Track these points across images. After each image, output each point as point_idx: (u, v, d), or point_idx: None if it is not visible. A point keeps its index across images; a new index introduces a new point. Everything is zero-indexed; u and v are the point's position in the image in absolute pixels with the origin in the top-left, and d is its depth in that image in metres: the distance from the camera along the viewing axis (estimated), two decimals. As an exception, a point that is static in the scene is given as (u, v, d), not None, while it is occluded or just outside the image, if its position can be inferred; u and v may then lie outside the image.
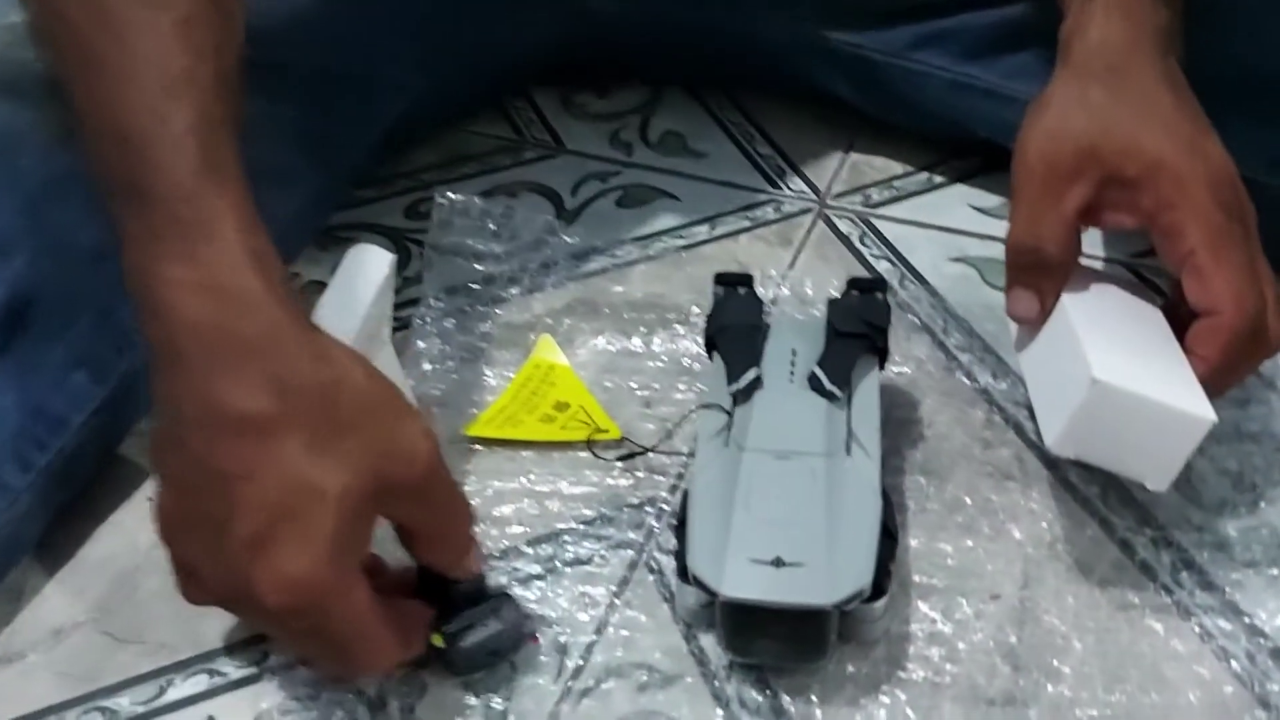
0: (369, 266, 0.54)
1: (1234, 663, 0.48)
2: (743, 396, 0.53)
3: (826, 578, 0.45)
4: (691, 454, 0.58)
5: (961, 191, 0.75)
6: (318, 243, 0.72)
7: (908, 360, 0.62)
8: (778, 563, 0.46)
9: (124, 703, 0.50)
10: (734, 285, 0.59)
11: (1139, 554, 0.52)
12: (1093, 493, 0.55)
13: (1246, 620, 0.50)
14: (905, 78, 0.72)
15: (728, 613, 0.47)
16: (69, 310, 0.56)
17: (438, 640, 0.48)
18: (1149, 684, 0.47)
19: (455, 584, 0.49)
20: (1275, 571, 0.51)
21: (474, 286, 0.69)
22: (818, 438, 0.50)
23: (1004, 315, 0.64)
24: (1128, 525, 0.54)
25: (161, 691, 0.50)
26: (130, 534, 0.57)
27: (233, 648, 0.52)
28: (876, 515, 0.48)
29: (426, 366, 0.64)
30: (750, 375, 0.53)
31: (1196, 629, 0.49)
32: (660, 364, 0.64)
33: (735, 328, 0.56)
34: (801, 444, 0.50)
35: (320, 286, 0.55)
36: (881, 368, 0.56)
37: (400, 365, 0.61)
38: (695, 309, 0.66)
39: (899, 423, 0.59)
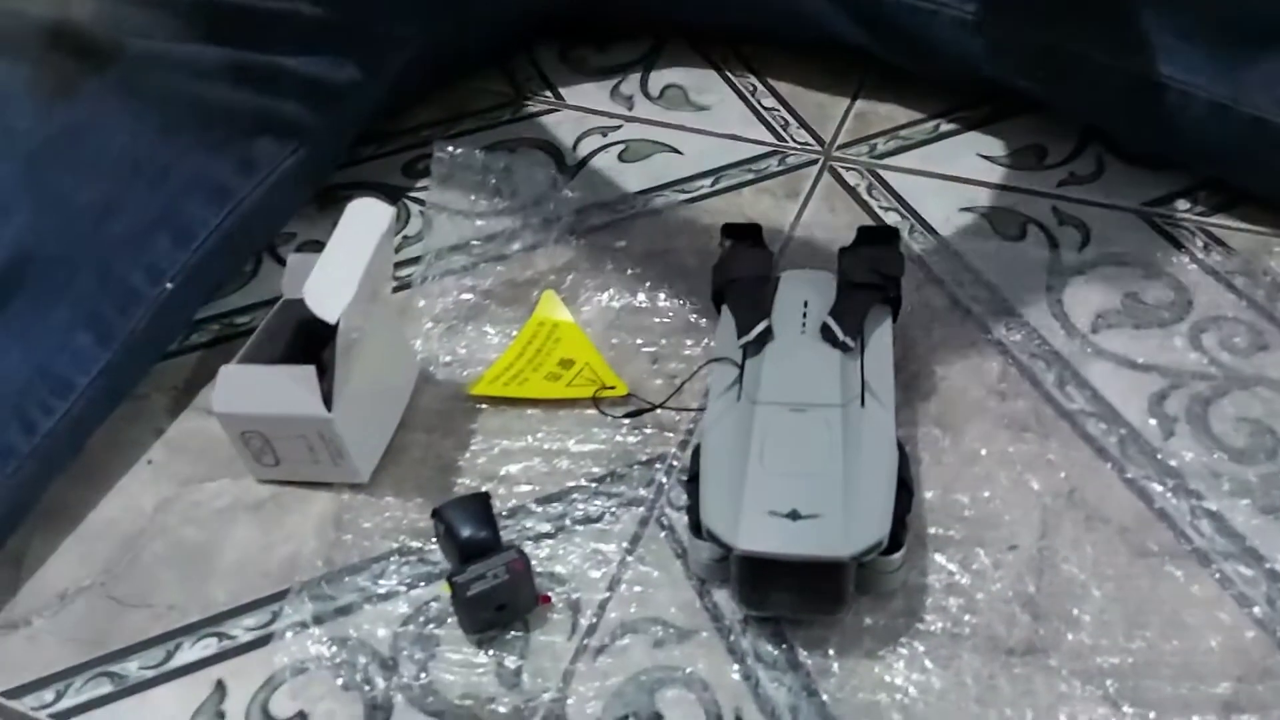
0: (369, 220, 0.52)
1: (1255, 608, 0.47)
2: (753, 349, 0.52)
3: (844, 529, 0.45)
4: (701, 409, 0.57)
5: (970, 139, 0.73)
6: (317, 202, 0.71)
7: (921, 311, 0.61)
8: (794, 515, 0.45)
9: (132, 667, 0.49)
10: (741, 237, 0.57)
11: (1157, 502, 0.52)
12: (1111, 443, 0.54)
13: (1267, 566, 0.49)
14: (912, 15, 0.70)
15: (743, 566, 0.46)
16: (70, 269, 0.55)
17: (446, 589, 0.47)
18: (1169, 630, 0.47)
19: (469, 538, 0.49)
20: (1296, 518, 0.51)
21: (475, 243, 0.68)
22: (832, 388, 0.49)
23: (1018, 267, 0.64)
24: (1146, 474, 0.53)
25: (169, 655, 0.50)
26: (134, 498, 0.56)
27: (241, 609, 0.51)
28: (893, 466, 0.47)
29: (428, 325, 0.63)
30: (761, 327, 0.52)
31: (1216, 575, 0.49)
32: (667, 319, 0.62)
33: (744, 280, 0.55)
34: (815, 395, 0.49)
35: (318, 246, 0.54)
36: (894, 319, 0.55)
37: (401, 324, 0.60)
38: (699, 264, 0.65)
39: (912, 375, 0.58)
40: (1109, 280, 0.63)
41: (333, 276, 0.50)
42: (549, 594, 0.50)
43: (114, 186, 0.61)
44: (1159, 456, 0.54)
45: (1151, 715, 0.44)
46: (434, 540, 0.52)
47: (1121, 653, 0.46)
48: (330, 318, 0.48)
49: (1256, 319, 0.60)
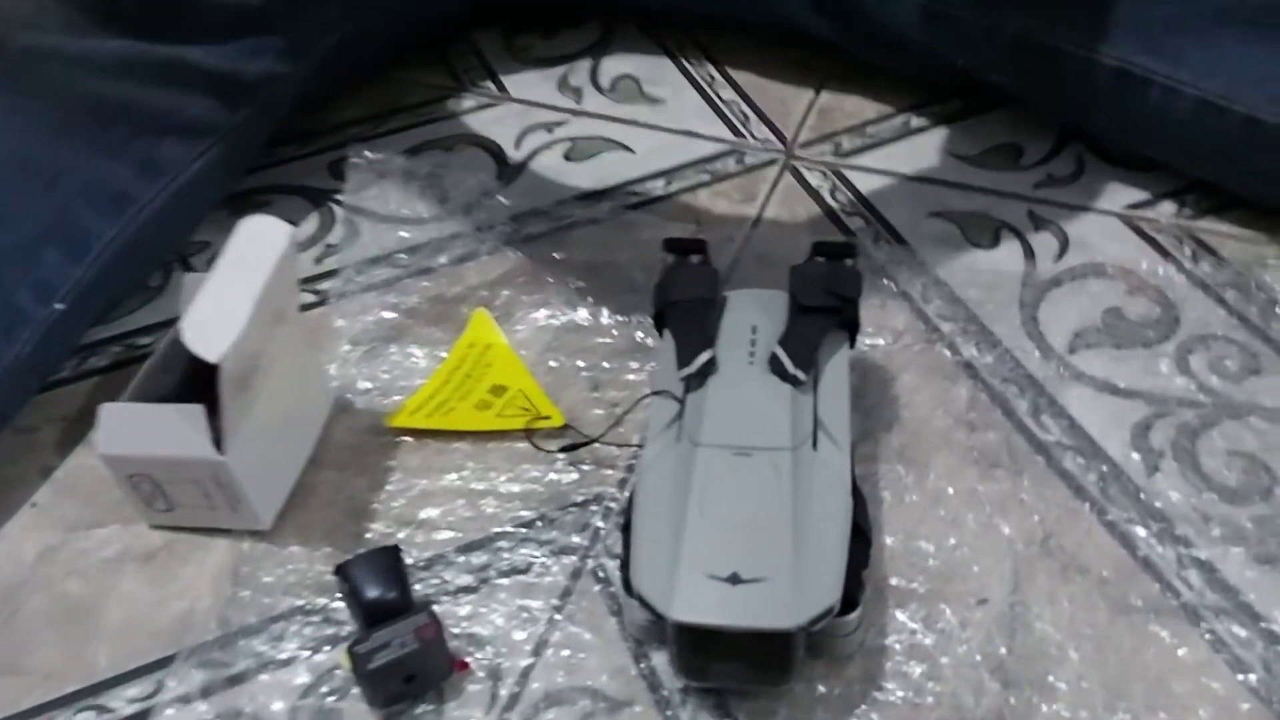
0: (264, 242, 0.47)
1: (1250, 675, 0.43)
2: (696, 382, 0.47)
3: (791, 595, 0.39)
4: (642, 444, 0.52)
5: (941, 137, 0.68)
6: (230, 206, 0.65)
7: (882, 331, 0.56)
8: (734, 579, 0.40)
9: (-2, 746, 0.44)
10: (685, 252, 0.52)
11: (1141, 550, 0.47)
12: (1090, 480, 0.50)
13: (1263, 625, 0.44)
14: (877, 4, 0.64)
15: (680, 634, 0.41)
16: None
17: (345, 661, 0.42)
18: (1155, 700, 0.42)
19: (375, 600, 0.43)
20: (1293, 566, 0.46)
21: (400, 255, 0.62)
22: (781, 429, 0.44)
23: (990, 280, 0.59)
24: (1129, 517, 0.48)
25: (41, 732, 0.44)
26: (14, 545, 0.51)
27: (124, 678, 0.45)
28: (847, 518, 0.42)
29: (346, 348, 0.57)
30: (703, 358, 0.47)
31: (1207, 636, 0.44)
32: (610, 340, 0.57)
33: (686, 302, 0.50)
34: (763, 437, 0.44)
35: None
36: (852, 344, 0.49)
37: (314, 347, 0.54)
38: (648, 277, 0.60)
39: (873, 403, 0.53)
40: (1089, 294, 0.58)
41: (218, 308, 0.44)
42: (466, 659, 0.44)
43: (-2, 191, 0.55)
44: (1142, 496, 0.49)
45: (1134, 801, 0.39)
46: (339, 596, 0.47)
47: (1101, 726, 0.41)
48: (211, 357, 0.43)
49: (1249, 339, 0.55)
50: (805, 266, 0.50)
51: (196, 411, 0.46)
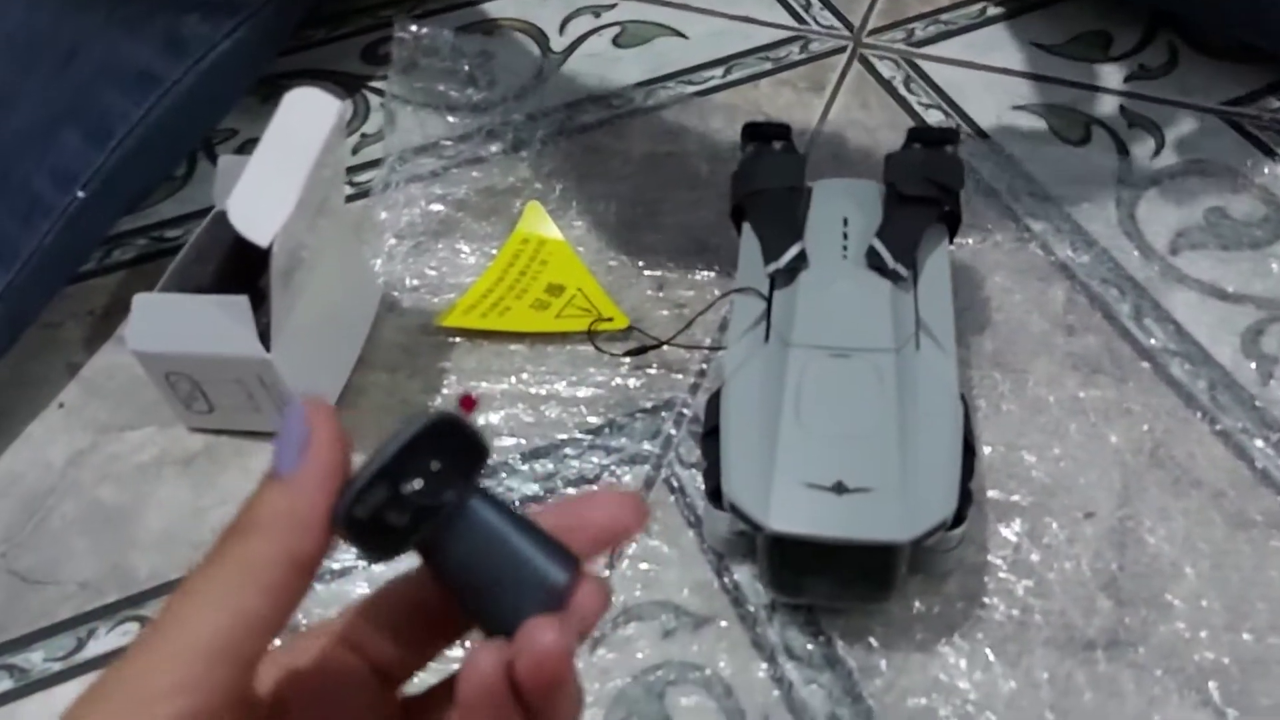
0: (312, 115, 0.42)
1: (1380, 593, 0.40)
2: (784, 278, 0.43)
3: (901, 506, 0.36)
4: (715, 348, 0.48)
5: (1022, 25, 0.63)
6: (258, 92, 0.61)
7: (970, 229, 0.52)
8: (839, 488, 0.37)
9: (36, 658, 0.41)
10: (767, 138, 0.48)
11: (1258, 461, 0.44)
12: (1199, 388, 0.46)
13: (1392, 541, 0.41)
14: None
15: (774, 548, 0.38)
16: None
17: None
18: None
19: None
20: None
21: (446, 144, 0.57)
22: (883, 329, 0.40)
23: (1083, 177, 0.55)
24: (1243, 427, 0.45)
25: (81, 644, 0.41)
26: (41, 449, 0.47)
27: (167, 588, 0.43)
28: (957, 424, 0.39)
29: (391, 242, 0.53)
30: (793, 251, 0.43)
31: (1332, 552, 0.41)
32: (674, 238, 0.53)
33: (770, 192, 0.45)
34: (862, 337, 0.40)
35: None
36: (951, 239, 0.46)
37: (358, 241, 0.50)
38: (713, 171, 0.55)
39: (964, 306, 0.49)
40: (1189, 193, 0.54)
41: (265, 188, 0.40)
42: (469, 394, 0.34)
43: (7, 73, 0.50)
44: (1257, 405, 0.45)
45: (1264, 727, 0.37)
46: None
47: (1224, 648, 0.39)
48: (261, 240, 0.39)
49: (1364, 239, 0.51)
50: (903, 154, 0.46)
51: (240, 303, 0.42)
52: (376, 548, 0.23)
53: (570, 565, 0.24)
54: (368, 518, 0.22)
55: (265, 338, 0.42)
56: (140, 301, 0.44)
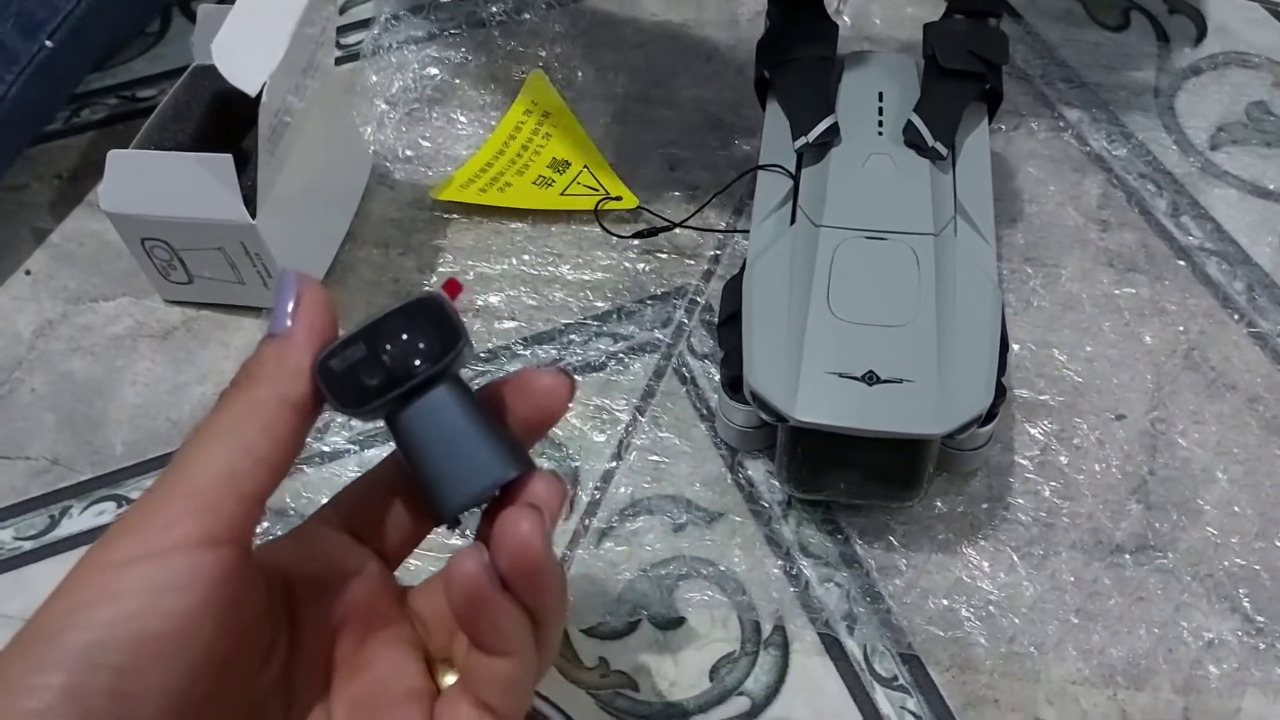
0: None
1: None
2: (813, 155, 0.40)
3: (936, 398, 0.34)
4: (731, 231, 0.45)
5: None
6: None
7: (1003, 116, 0.49)
8: (870, 378, 0.34)
9: (6, 536, 0.39)
10: (796, 4, 0.44)
11: (1295, 366, 0.42)
12: (1237, 289, 0.44)
13: None
14: None
15: (796, 440, 0.36)
16: None
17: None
18: (1310, 529, 0.38)
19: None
20: None
21: (442, 1, 0.53)
22: (922, 211, 0.37)
23: (1121, 64, 0.51)
24: (1282, 330, 0.43)
25: (54, 522, 0.39)
26: (7, 319, 0.44)
27: (144, 467, 0.40)
28: (996, 315, 0.36)
29: (383, 109, 0.49)
30: (825, 124, 0.40)
31: (1368, 460, 0.39)
32: (689, 113, 0.50)
33: (800, 62, 0.42)
34: (900, 220, 0.37)
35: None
36: (991, 119, 0.42)
37: (349, 106, 0.47)
38: (731, 42, 0.52)
39: (996, 196, 0.45)
40: (1231, 85, 0.51)
41: (252, 32, 0.36)
42: (454, 280, 0.32)
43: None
44: (1296, 308, 0.44)
45: (1294, 635, 0.36)
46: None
47: (1256, 555, 0.37)
48: (250, 88, 0.35)
49: None
50: (943, 24, 0.42)
51: (224, 162, 0.38)
52: (347, 401, 0.24)
53: (523, 463, 0.25)
54: (342, 370, 0.24)
55: (250, 202, 0.39)
56: (115, 158, 0.40)
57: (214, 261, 0.42)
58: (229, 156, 0.38)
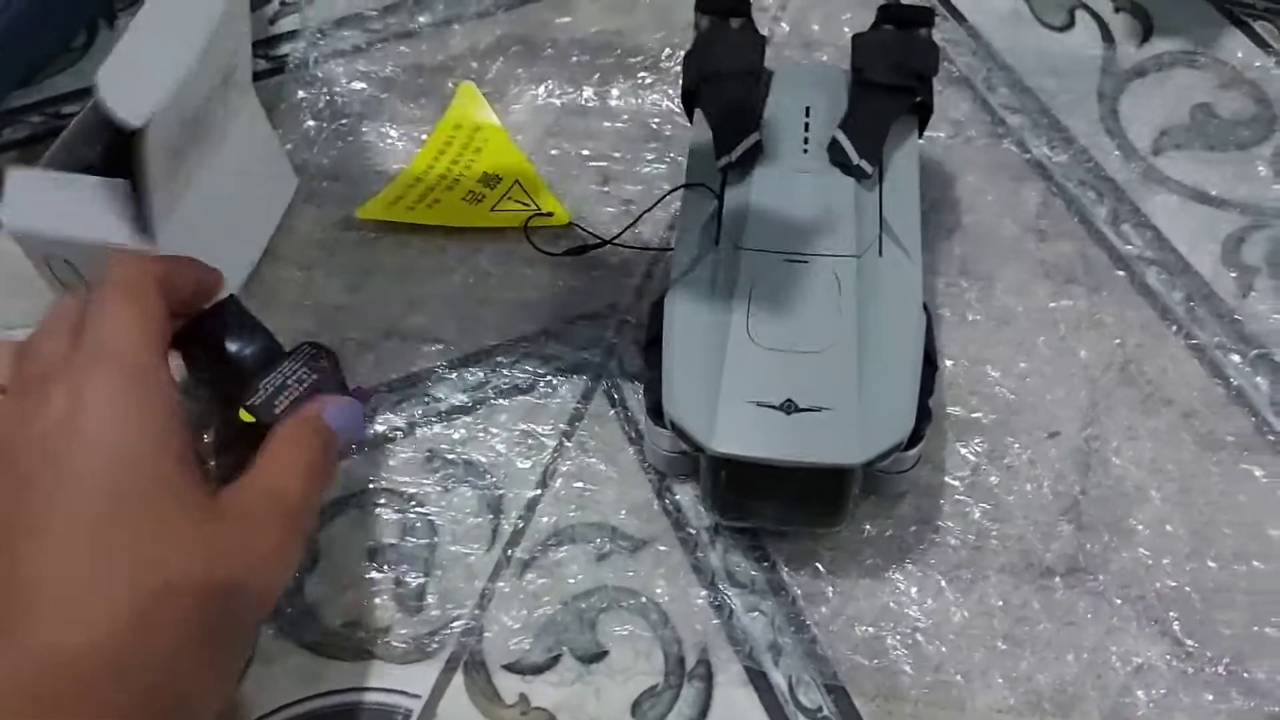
0: None
1: (1351, 519, 0.38)
2: (738, 173, 0.39)
3: (855, 427, 0.33)
4: (664, 249, 0.45)
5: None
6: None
7: (940, 122, 0.48)
8: (788, 407, 0.34)
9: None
10: (723, 14, 0.43)
11: (1233, 379, 0.41)
12: (1175, 300, 0.43)
13: (1367, 464, 0.39)
14: None
15: (718, 468, 0.35)
16: None
17: (246, 416, 0.35)
18: (1247, 546, 0.37)
19: (243, 352, 0.36)
20: (1400, 400, 0.41)
21: (371, 14, 0.52)
22: (844, 232, 0.37)
23: (1064, 66, 0.51)
24: (1219, 342, 0.42)
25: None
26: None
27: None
28: (919, 339, 0.36)
29: (310, 124, 0.48)
30: (748, 143, 0.39)
31: (1304, 475, 0.39)
32: (622, 125, 0.49)
33: (726, 76, 0.41)
34: (822, 241, 0.37)
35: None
36: (922, 132, 0.42)
37: (270, 122, 0.46)
38: (667, 50, 0.51)
39: (931, 206, 0.45)
40: (1176, 86, 0.50)
41: (145, 59, 0.35)
42: (361, 386, 0.39)
43: None
44: (1235, 318, 0.43)
45: (1225, 660, 0.35)
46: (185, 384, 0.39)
47: (1187, 576, 0.37)
48: (132, 120, 0.34)
49: (1356, 142, 0.48)
50: (872, 35, 0.41)
51: (120, 186, 0.37)
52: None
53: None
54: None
55: (147, 225, 0.38)
56: (15, 177, 0.39)
57: None
58: (125, 181, 0.37)
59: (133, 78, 0.35)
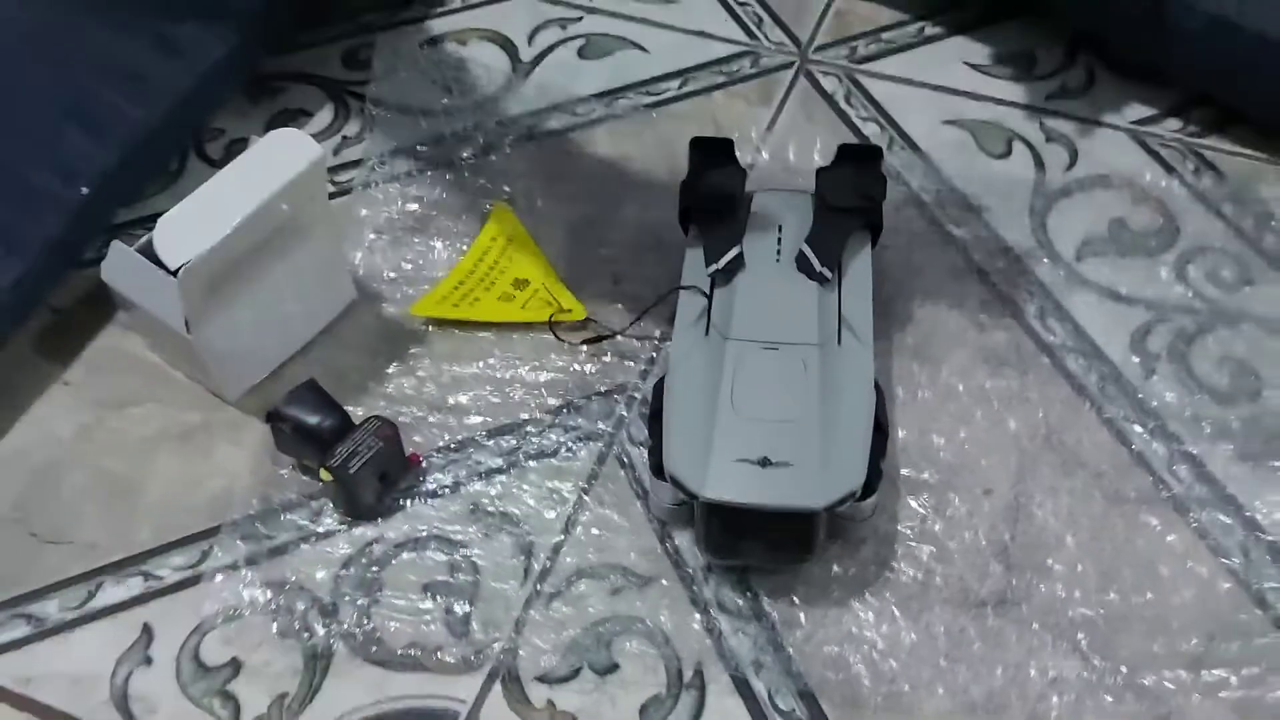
0: (286, 156, 0.47)
1: (1231, 559, 0.46)
2: (723, 278, 0.48)
3: (818, 478, 0.42)
4: (664, 338, 0.54)
5: (956, 45, 0.69)
6: (247, 93, 0.65)
7: (898, 232, 0.58)
8: (764, 462, 0.42)
9: (51, 608, 0.46)
10: (712, 151, 0.53)
11: (1136, 445, 0.50)
12: (1091, 380, 0.52)
13: (1245, 514, 0.47)
14: None
15: (709, 515, 0.43)
16: None
17: (326, 476, 0.45)
18: (1143, 582, 0.45)
19: (322, 424, 0.47)
20: (1277, 464, 0.49)
21: (422, 148, 0.62)
22: (809, 325, 0.46)
23: (1002, 188, 0.60)
24: (1126, 415, 0.51)
25: (92, 595, 0.46)
26: (50, 425, 0.52)
27: (168, 547, 0.47)
28: (870, 411, 0.45)
29: (371, 236, 0.58)
30: (732, 254, 0.48)
31: (1194, 524, 0.47)
32: (630, 235, 0.58)
33: (714, 199, 0.51)
34: (791, 333, 0.46)
35: (245, 146, 0.48)
36: (874, 245, 0.51)
37: (338, 237, 0.55)
38: (668, 174, 0.61)
39: (889, 302, 0.55)
40: (1096, 204, 0.60)
41: (203, 214, 0.45)
42: (417, 453, 0.48)
43: (10, 74, 0.54)
44: (1139, 396, 0.52)
45: (1123, 670, 0.43)
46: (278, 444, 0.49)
47: (1094, 605, 0.45)
48: (171, 263, 0.44)
49: (1244, 250, 0.58)
50: (832, 169, 0.51)
51: (173, 284, 0.46)
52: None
53: None
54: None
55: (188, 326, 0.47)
56: (116, 247, 0.50)
57: (171, 342, 0.51)
58: (175, 280, 0.46)
59: (184, 226, 0.45)
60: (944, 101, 0.65)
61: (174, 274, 0.46)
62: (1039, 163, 0.62)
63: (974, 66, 0.68)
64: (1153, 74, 0.66)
